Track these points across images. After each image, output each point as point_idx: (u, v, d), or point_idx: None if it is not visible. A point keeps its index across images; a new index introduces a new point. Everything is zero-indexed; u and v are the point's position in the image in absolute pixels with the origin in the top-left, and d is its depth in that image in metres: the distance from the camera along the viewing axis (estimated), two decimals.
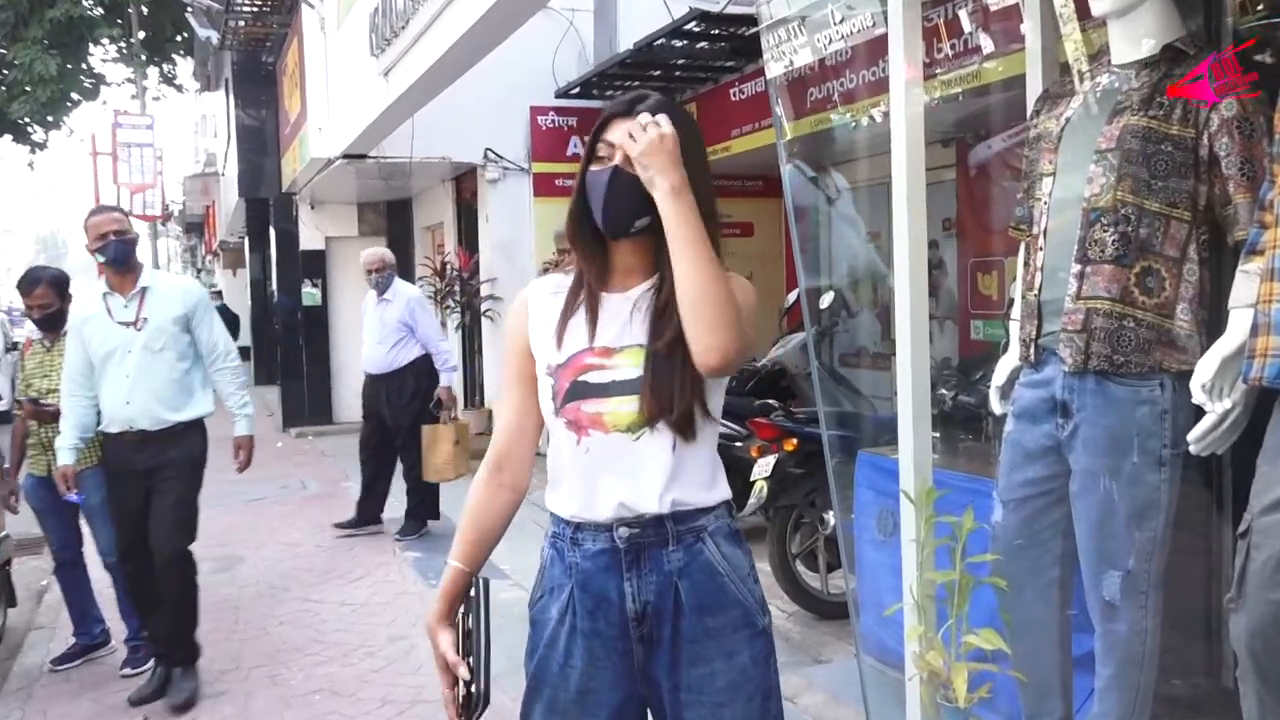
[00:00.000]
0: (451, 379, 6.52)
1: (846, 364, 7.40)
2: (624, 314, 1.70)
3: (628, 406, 1.66)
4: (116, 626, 4.56)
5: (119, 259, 3.92)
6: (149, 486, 3.93)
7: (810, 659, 4.22)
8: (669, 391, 1.64)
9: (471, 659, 1.69)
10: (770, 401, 5.09)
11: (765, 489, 4.46)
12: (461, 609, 1.75)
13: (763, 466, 4.52)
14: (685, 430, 1.65)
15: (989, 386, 2.89)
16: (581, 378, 1.68)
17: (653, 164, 1.60)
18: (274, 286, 13.04)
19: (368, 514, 6.74)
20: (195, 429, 4.03)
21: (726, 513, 1.75)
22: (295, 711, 3.92)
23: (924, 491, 2.54)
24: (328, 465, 9.83)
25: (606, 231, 1.70)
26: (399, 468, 6.73)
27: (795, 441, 4.57)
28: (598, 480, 1.68)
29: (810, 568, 4.65)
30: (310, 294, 12.36)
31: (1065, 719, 2.60)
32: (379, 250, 6.65)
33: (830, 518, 4.39)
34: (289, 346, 12.39)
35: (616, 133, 1.67)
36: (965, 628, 2.48)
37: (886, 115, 2.74)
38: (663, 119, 1.62)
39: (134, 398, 3.88)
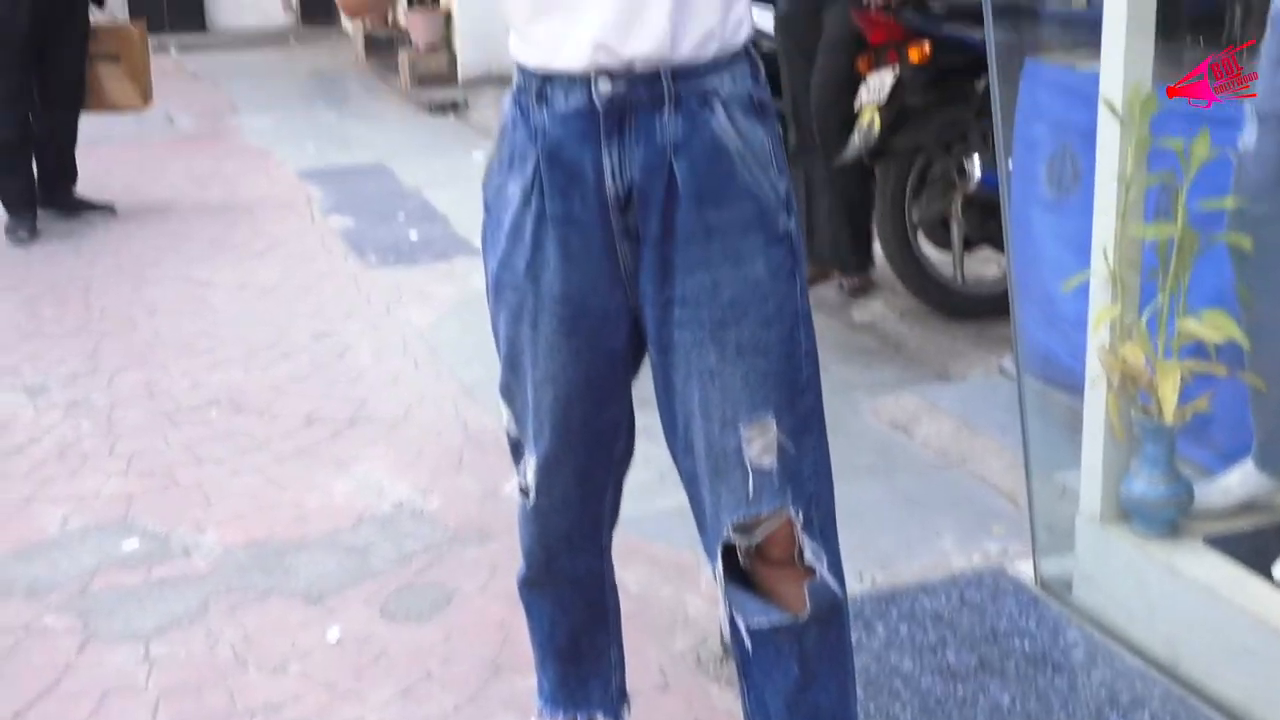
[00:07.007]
0: None
1: None
2: None
3: None
4: None
5: None
6: None
7: (933, 374, 4.35)
8: None
9: None
10: None
11: (877, 121, 4.39)
12: None
13: (875, 87, 4.44)
14: None
15: None
16: None
17: None
18: None
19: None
20: None
21: (749, 70, 1.85)
22: (183, 430, 4.08)
23: (1138, 100, 2.47)
24: (201, 92, 10.00)
25: None
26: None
27: (927, 49, 4.44)
28: (575, 8, 1.75)
29: (940, 243, 4.69)
30: None
31: None
32: None
33: (975, 168, 4.37)
34: None
35: None
36: (1183, 310, 2.50)
37: None
38: None
39: None
